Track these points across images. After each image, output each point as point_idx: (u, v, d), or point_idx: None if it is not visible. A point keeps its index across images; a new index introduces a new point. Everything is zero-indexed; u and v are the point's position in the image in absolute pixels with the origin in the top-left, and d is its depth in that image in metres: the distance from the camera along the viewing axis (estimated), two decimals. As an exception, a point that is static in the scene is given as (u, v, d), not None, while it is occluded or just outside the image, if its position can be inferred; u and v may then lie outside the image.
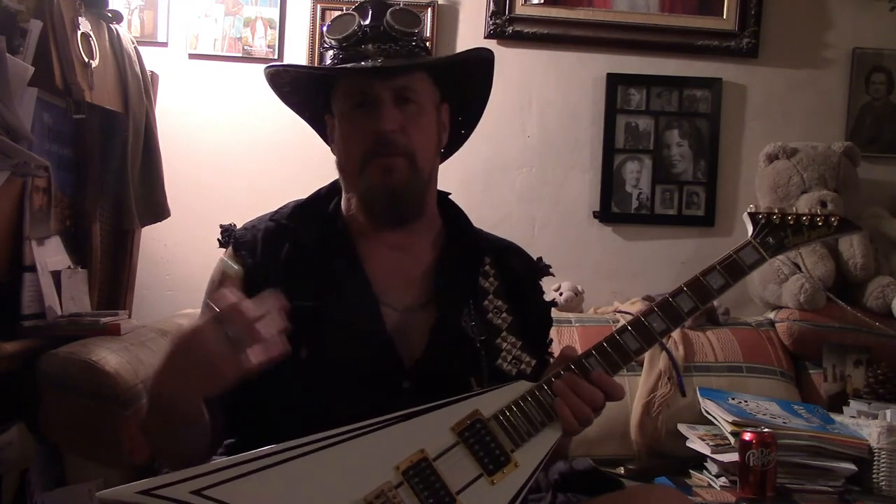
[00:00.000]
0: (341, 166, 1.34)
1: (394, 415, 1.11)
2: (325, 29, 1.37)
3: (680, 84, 2.72)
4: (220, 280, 1.32)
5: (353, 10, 1.32)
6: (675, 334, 2.32)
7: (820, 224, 1.28)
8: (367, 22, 1.28)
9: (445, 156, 1.44)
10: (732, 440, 2.01)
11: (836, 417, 2.18)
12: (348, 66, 1.26)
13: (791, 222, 1.28)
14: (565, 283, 2.53)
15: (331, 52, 1.32)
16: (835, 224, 1.28)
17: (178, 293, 2.54)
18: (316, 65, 2.54)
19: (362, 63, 1.25)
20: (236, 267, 1.30)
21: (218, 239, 1.36)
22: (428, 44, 1.40)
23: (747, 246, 1.26)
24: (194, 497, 1.04)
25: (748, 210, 1.31)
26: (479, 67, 1.36)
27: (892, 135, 2.79)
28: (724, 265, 1.24)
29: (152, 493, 1.04)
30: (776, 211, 1.29)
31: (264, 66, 1.36)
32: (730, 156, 2.76)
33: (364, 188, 1.30)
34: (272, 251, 1.30)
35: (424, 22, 2.60)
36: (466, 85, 1.38)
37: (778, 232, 1.27)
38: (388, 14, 1.28)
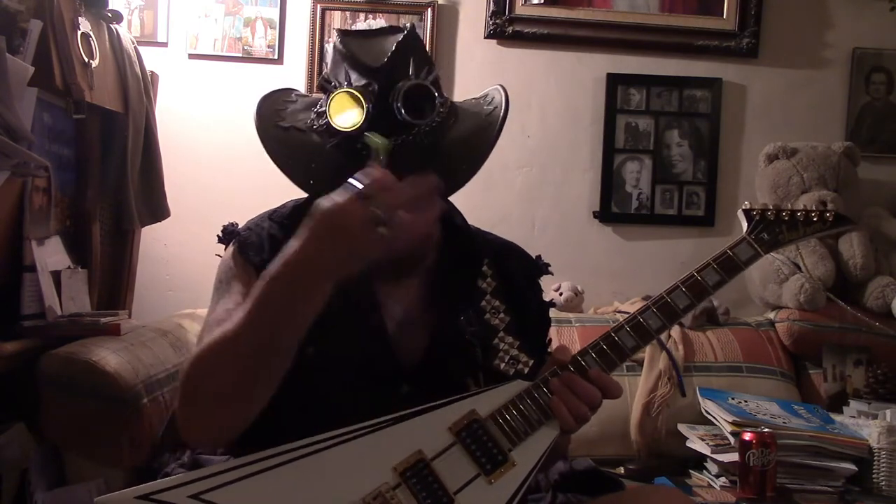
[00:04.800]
0: None
1: (391, 416, 1.11)
2: (326, 108, 1.18)
3: (680, 84, 2.72)
4: (239, 268, 1.27)
5: (351, 66, 1.18)
6: (675, 334, 2.32)
7: (815, 220, 1.29)
8: (371, 103, 1.15)
9: None
10: (732, 440, 2.00)
11: (836, 417, 2.18)
12: None
13: (786, 218, 1.29)
14: (565, 283, 2.54)
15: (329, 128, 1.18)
16: (830, 220, 1.29)
17: (178, 293, 2.54)
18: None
19: None
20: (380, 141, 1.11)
21: (218, 235, 1.34)
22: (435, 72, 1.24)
23: (742, 242, 1.27)
24: (193, 501, 1.04)
25: (743, 207, 1.32)
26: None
27: (892, 135, 2.79)
28: (718, 262, 1.25)
29: (151, 497, 1.04)
30: (770, 207, 1.30)
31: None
32: (730, 156, 2.76)
33: None
34: (277, 251, 1.28)
35: (424, 21, 2.60)
36: None
37: (773, 228, 1.28)
38: (400, 100, 1.14)
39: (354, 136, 1.15)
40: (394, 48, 1.18)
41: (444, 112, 1.21)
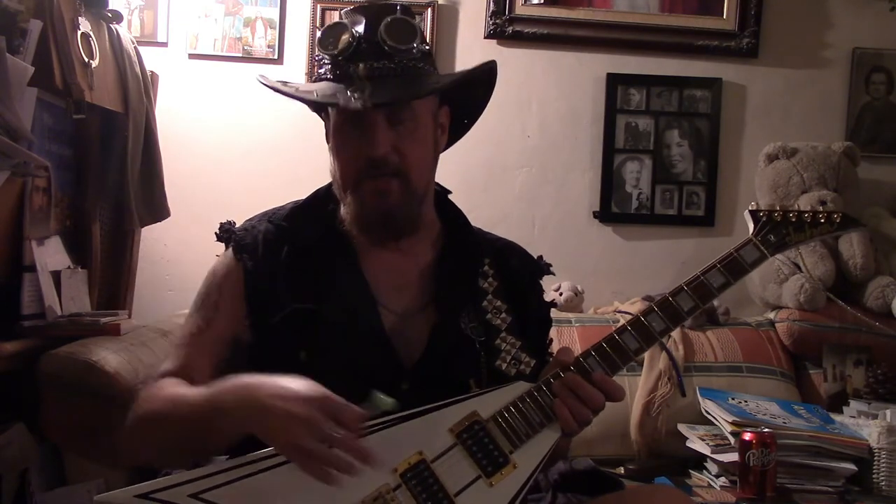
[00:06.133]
0: (334, 177, 1.31)
1: (392, 416, 1.11)
2: (317, 38, 1.29)
3: (680, 84, 2.72)
4: (223, 277, 1.30)
5: (347, 16, 1.27)
6: (675, 334, 2.32)
7: (822, 221, 1.26)
8: (360, 32, 1.23)
9: (447, 146, 1.41)
10: (732, 440, 2.00)
11: (836, 417, 2.18)
12: (333, 100, 1.21)
13: (793, 219, 1.26)
14: (565, 283, 2.54)
15: (323, 65, 1.27)
16: (837, 221, 1.26)
17: (178, 293, 2.54)
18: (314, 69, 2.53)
19: (349, 92, 1.19)
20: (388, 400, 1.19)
21: (216, 233, 1.35)
22: (428, 47, 1.33)
23: (748, 244, 1.25)
24: (192, 500, 1.04)
25: (749, 207, 1.29)
26: (480, 74, 1.33)
27: (892, 135, 2.78)
28: (724, 264, 1.23)
29: (150, 496, 1.04)
30: (778, 208, 1.27)
31: (261, 72, 1.33)
32: (730, 156, 2.76)
33: (357, 208, 1.26)
34: (272, 253, 1.29)
35: (424, 21, 2.60)
36: (467, 89, 1.35)
37: (779, 229, 1.26)
38: (381, 27, 1.21)
39: (342, 61, 1.23)
40: None
41: (425, 48, 1.29)
